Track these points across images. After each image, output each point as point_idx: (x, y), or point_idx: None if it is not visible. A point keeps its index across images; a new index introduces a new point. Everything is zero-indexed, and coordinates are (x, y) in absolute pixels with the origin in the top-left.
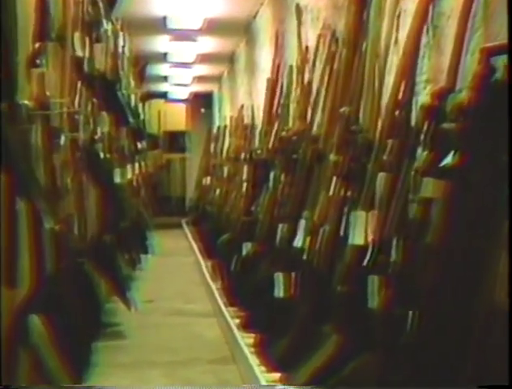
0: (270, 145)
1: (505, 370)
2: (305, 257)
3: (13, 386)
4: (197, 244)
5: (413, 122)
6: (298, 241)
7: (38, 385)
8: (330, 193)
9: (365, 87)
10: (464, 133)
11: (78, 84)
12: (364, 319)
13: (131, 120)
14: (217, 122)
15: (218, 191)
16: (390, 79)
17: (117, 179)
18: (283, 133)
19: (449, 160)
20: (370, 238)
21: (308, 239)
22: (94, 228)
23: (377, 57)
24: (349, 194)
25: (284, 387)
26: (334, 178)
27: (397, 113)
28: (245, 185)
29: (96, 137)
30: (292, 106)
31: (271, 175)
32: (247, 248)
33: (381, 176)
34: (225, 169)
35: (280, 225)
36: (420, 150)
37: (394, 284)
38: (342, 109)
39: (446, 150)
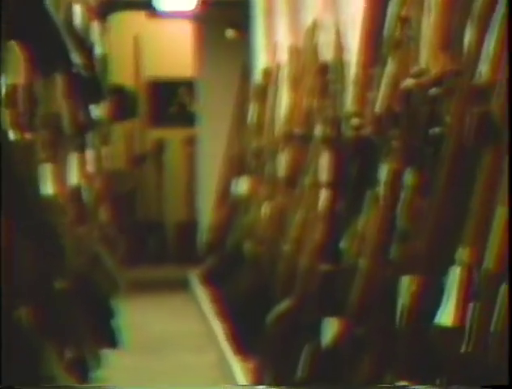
0: (379, 107)
1: None
2: (462, 347)
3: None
4: (222, 324)
5: None
6: (446, 313)
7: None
8: None
9: None
10: None
11: None
12: None
13: (75, 58)
14: (260, 60)
15: (266, 209)
16: None
17: (48, 187)
18: (408, 80)
19: None
20: None
21: (470, 308)
22: None
23: None
24: None
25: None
26: None
27: None
28: (323, 193)
29: None
30: (427, 23)
31: (382, 171)
32: (330, 329)
33: None
34: (281, 160)
35: (403, 280)
36: None
37: None
38: None
39: None
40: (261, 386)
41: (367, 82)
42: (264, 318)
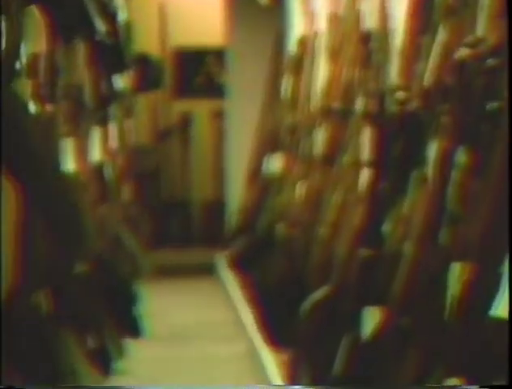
0: (427, 79)
1: None
2: None
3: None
4: (252, 312)
5: None
6: (503, 304)
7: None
8: None
9: None
10: None
11: None
12: None
13: (98, 25)
14: (295, 28)
15: (301, 188)
16: None
17: (69, 163)
18: (462, 50)
19: None
20: None
21: None
22: (10, 278)
23: None
24: None
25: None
26: None
27: None
28: (364, 173)
29: (17, 65)
30: None
31: (431, 150)
32: (371, 319)
33: None
34: (318, 136)
35: (454, 267)
36: None
37: None
38: None
39: None
40: (297, 387)
41: (414, 52)
42: (298, 306)
